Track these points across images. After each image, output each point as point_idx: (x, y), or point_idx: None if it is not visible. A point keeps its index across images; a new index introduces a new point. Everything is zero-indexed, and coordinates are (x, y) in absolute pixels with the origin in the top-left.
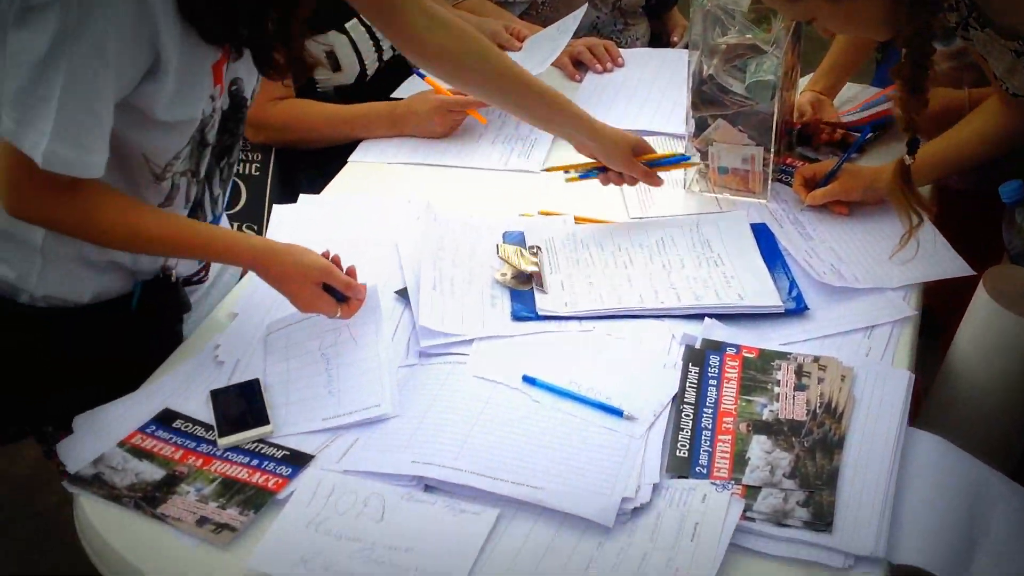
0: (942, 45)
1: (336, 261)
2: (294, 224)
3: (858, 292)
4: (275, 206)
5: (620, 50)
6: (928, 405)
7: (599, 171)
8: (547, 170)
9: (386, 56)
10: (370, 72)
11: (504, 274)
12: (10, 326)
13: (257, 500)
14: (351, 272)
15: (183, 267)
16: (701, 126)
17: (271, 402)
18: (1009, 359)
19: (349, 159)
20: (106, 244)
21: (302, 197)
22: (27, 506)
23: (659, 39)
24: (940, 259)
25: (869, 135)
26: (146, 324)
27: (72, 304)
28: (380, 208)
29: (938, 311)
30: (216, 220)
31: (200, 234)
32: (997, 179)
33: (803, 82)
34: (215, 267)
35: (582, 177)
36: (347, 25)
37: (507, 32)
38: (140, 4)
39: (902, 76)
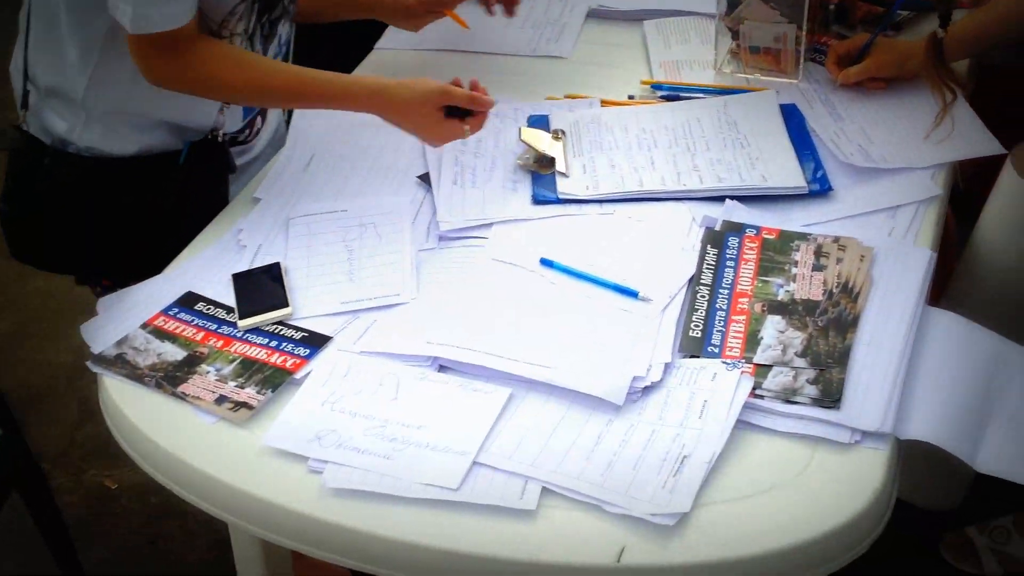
0: None
1: (457, 83)
2: (314, 115)
3: (885, 172)
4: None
5: None
6: (954, 284)
7: None
8: None
9: None
10: None
11: (526, 157)
12: (62, 172)
13: (275, 380)
14: (474, 86)
15: (230, 125)
16: (732, 3)
17: (291, 286)
18: None
19: (376, 46)
20: (234, 100)
21: None
22: (69, 390)
23: None
24: (972, 137)
25: (901, 7)
26: (193, 181)
27: (116, 155)
28: None
29: (975, 195)
30: None
31: (316, 80)
32: None
33: None
34: (262, 131)
35: None
36: None
37: None
38: None
39: None
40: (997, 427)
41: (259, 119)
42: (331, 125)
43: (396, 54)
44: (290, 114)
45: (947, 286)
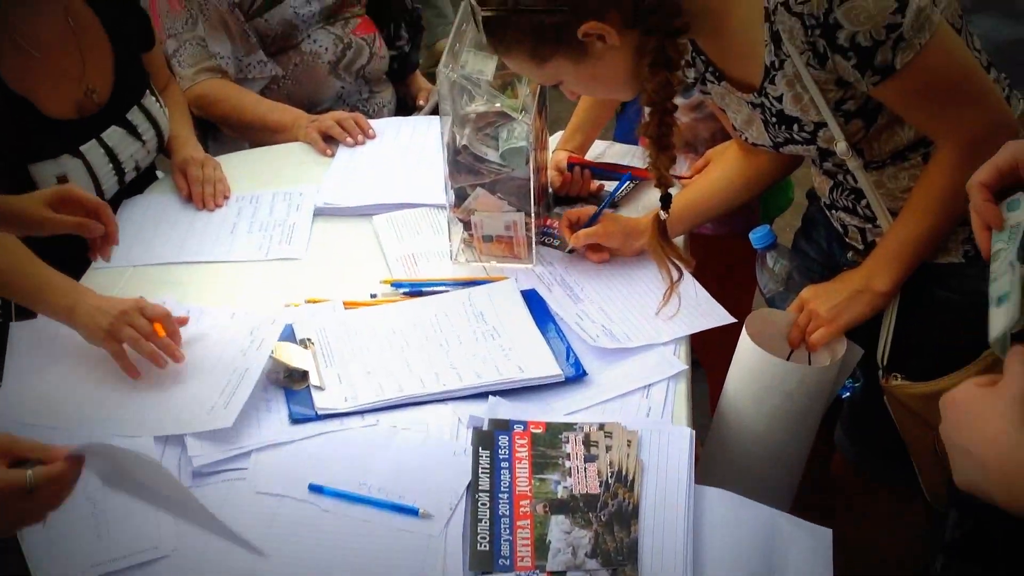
0: (682, 98)
1: None
2: (37, 342)
3: (631, 351)
4: (11, 324)
5: (370, 121)
6: (705, 456)
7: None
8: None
9: (128, 178)
10: (109, 196)
11: (277, 373)
12: None
13: None
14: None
15: None
16: (461, 196)
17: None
18: (777, 400)
19: (93, 265)
20: None
21: (15, 327)
22: None
23: (405, 104)
24: (703, 310)
25: (626, 184)
26: None
27: None
28: None
29: (701, 353)
30: None
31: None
32: (749, 223)
33: (553, 140)
34: None
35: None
36: (83, 148)
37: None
38: None
39: (649, 134)
40: None
41: None
42: (52, 370)
43: (113, 274)
44: None
45: (700, 456)
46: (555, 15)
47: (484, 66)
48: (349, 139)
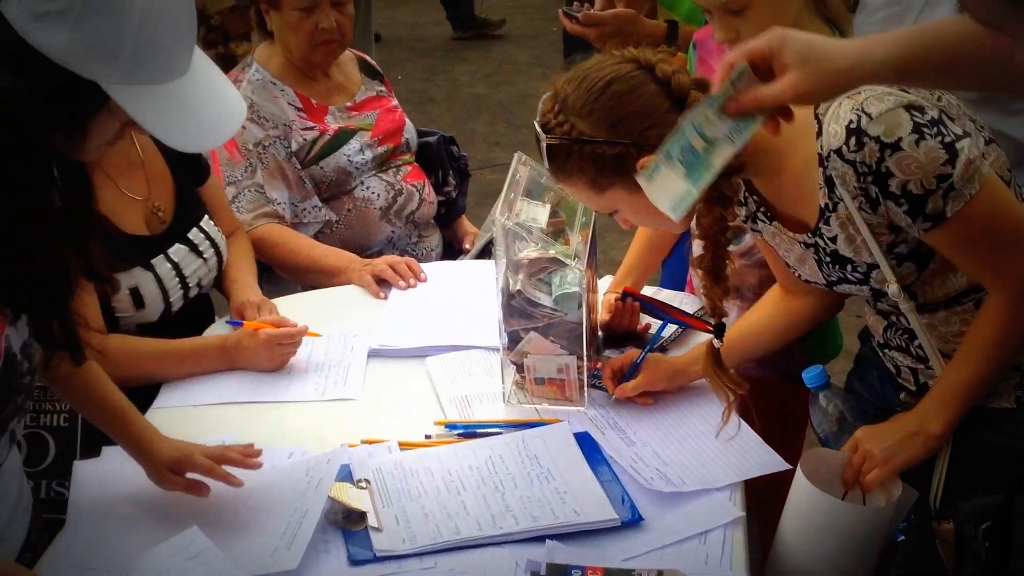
0: (732, 244)
1: None
2: (101, 481)
3: (686, 495)
4: (75, 463)
5: (420, 264)
6: None
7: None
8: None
9: (192, 294)
10: (175, 309)
11: (336, 514)
12: None
13: None
14: None
15: None
16: (514, 338)
17: None
18: (832, 540)
19: (154, 404)
20: None
21: (105, 450)
22: None
23: (451, 247)
24: (757, 456)
25: (667, 328)
26: None
27: None
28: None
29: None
30: None
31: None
32: (793, 365)
33: (602, 283)
34: None
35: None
36: (152, 261)
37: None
38: None
39: (703, 266)
40: None
41: None
42: (115, 497)
43: (175, 412)
44: None
45: None
46: (616, 147)
47: (537, 214)
48: (401, 282)
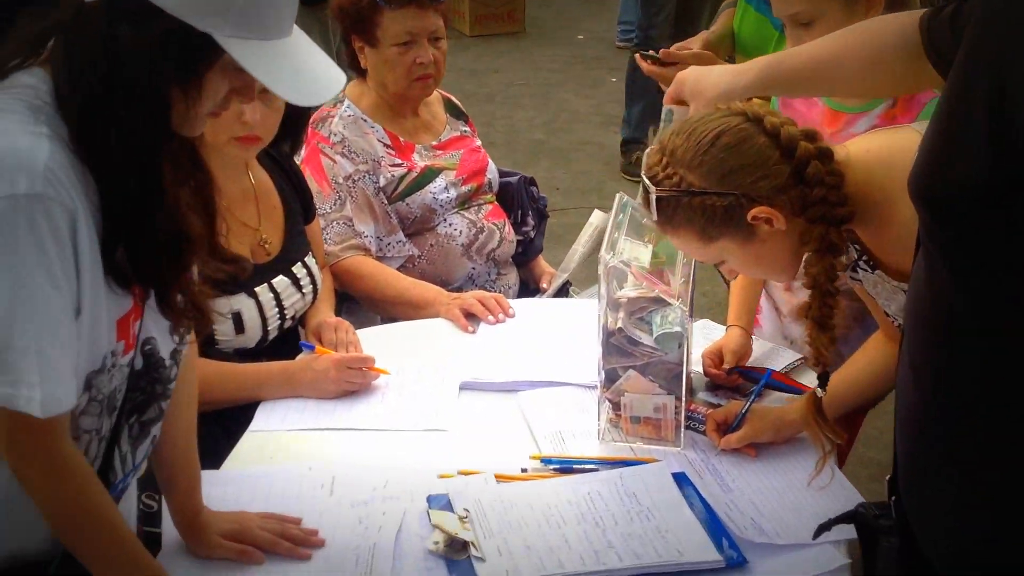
0: None
1: None
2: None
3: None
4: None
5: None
6: None
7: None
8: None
9: (287, 325)
10: (271, 337)
11: (437, 543)
12: None
13: None
14: None
15: None
16: (611, 376)
17: None
18: None
19: (250, 428)
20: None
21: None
22: None
23: (527, 286)
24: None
25: (770, 378)
26: None
27: None
28: (283, 479)
29: None
30: (126, 479)
31: None
32: None
33: (697, 327)
34: None
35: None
36: (256, 289)
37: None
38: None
39: (811, 316)
40: None
41: None
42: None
43: (269, 436)
44: None
45: None
46: (727, 198)
47: (640, 254)
48: (491, 317)
